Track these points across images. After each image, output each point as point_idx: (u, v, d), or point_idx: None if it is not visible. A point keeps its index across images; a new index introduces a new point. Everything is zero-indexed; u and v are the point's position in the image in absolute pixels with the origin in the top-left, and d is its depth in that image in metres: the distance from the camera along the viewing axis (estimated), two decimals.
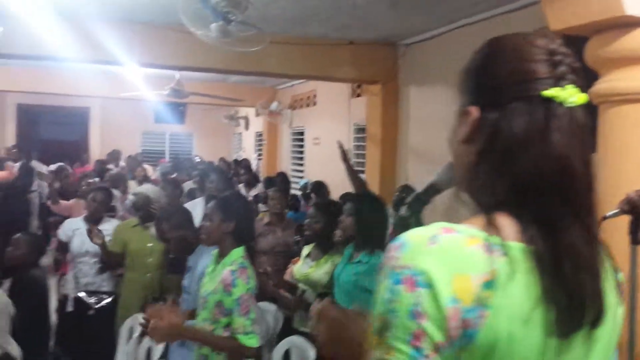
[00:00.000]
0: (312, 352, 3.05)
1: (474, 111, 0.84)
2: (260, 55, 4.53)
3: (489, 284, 0.73)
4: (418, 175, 5.41)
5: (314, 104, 8.65)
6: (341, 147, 4.69)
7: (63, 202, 5.69)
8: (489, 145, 0.82)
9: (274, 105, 9.72)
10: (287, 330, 3.50)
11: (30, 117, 12.87)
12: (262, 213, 5.08)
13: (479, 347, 0.73)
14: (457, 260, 0.74)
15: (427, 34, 5.31)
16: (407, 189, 4.31)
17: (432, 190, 2.40)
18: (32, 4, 4.55)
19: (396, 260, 0.76)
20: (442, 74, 5.15)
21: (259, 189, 7.40)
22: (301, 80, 8.81)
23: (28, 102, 12.03)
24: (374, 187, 5.50)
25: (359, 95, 7.02)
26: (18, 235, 3.96)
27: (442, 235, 0.76)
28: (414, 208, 2.52)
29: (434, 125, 5.27)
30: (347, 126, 7.22)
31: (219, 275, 2.52)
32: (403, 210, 2.57)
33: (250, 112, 11.64)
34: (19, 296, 3.39)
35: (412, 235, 0.78)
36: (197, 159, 11.86)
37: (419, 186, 3.41)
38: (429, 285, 0.73)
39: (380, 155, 5.97)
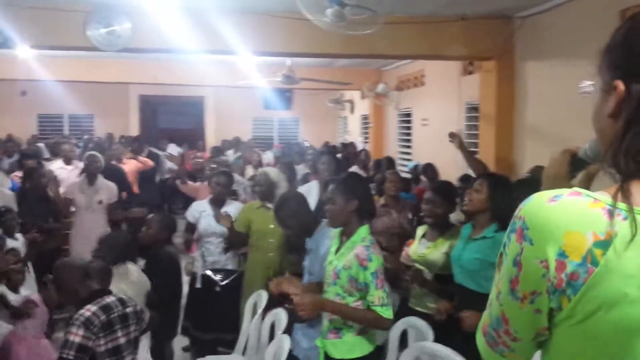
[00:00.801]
0: (430, 332, 3.06)
1: (620, 85, 0.86)
2: (370, 37, 4.53)
3: (603, 244, 0.77)
4: (536, 156, 5.18)
5: (422, 84, 8.51)
6: (454, 136, 4.63)
7: (190, 184, 6.06)
8: (636, 117, 0.84)
9: (380, 88, 9.67)
10: (404, 311, 3.53)
11: (151, 107, 13.79)
12: (375, 195, 5.12)
13: (584, 300, 0.78)
14: (575, 218, 0.80)
15: (545, 5, 5.03)
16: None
17: (579, 165, 2.33)
18: (157, 0, 4.87)
19: (518, 211, 0.86)
20: (562, 47, 4.86)
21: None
22: (408, 61, 8.69)
23: (149, 93, 12.88)
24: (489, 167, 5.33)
25: (470, 73, 6.80)
26: (151, 215, 4.30)
27: (566, 197, 0.83)
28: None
29: (554, 102, 5.01)
30: (458, 106, 7.04)
31: (349, 252, 2.60)
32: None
33: (355, 95, 11.68)
34: (154, 273, 3.66)
35: (539, 193, 0.86)
36: (307, 144, 12.12)
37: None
38: (532, 241, 0.82)
39: (494, 135, 5.76)
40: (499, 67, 5.70)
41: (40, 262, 4.57)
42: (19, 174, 6.30)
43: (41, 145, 9.74)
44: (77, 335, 2.47)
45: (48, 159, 8.19)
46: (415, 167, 7.29)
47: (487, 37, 5.62)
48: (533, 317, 0.85)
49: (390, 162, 7.27)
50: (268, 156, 9.44)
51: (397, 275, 3.78)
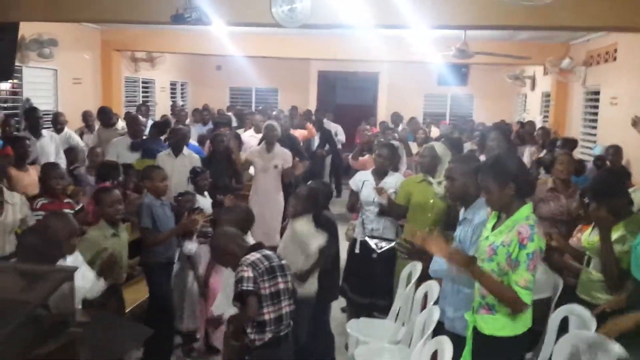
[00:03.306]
0: (592, 322, 2.88)
1: None
2: (553, 7, 4.23)
3: None
4: None
5: (614, 59, 7.69)
6: (636, 123, 4.14)
7: (361, 159, 6.31)
8: None
9: (566, 63, 8.95)
10: (570, 297, 3.34)
11: (329, 83, 14.36)
12: (545, 178, 4.84)
13: None
14: None
15: None
16: None
17: None
18: None
19: None
20: None
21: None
22: (600, 34, 7.90)
23: (327, 69, 13.44)
24: None
25: None
26: (310, 182, 4.59)
27: None
28: None
29: None
30: None
31: (509, 229, 2.54)
32: None
33: (537, 70, 10.96)
34: None
35: None
36: (478, 120, 11.71)
37: None
38: None
39: None
40: None
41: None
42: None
43: (230, 114, 10.73)
44: (249, 272, 2.78)
45: (237, 127, 9.04)
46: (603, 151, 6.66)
47: None
48: None
49: (568, 143, 6.73)
50: (435, 132, 9.32)
51: (562, 263, 3.59)
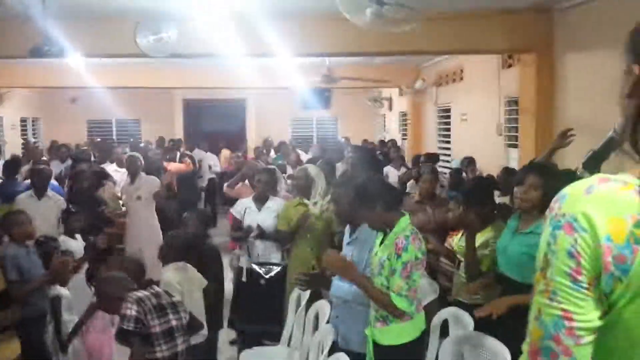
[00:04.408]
0: (470, 322, 3.12)
1: (636, 69, 0.94)
2: (409, 34, 4.58)
3: None
4: (577, 150, 5.13)
5: (461, 79, 8.51)
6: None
7: (236, 187, 6.27)
8: None
9: (419, 84, 9.71)
10: (446, 301, 3.61)
11: (195, 111, 14.16)
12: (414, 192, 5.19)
13: (634, 280, 0.84)
14: (611, 205, 0.86)
15: None
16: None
17: (610, 145, 2.38)
18: (202, 7, 5.07)
19: (557, 210, 0.92)
20: (604, 39, 4.80)
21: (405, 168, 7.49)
22: (447, 56, 8.70)
23: (192, 97, 13.25)
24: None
25: (510, 66, 6.78)
26: (186, 214, 4.48)
27: (598, 185, 0.89)
28: (589, 167, 2.49)
29: (596, 96, 4.94)
30: (497, 100, 7.03)
31: (391, 242, 2.70)
32: (579, 171, 2.54)
33: (393, 92, 11.71)
34: (197, 267, 3.81)
35: (570, 188, 0.92)
36: (345, 141, 12.21)
37: (579, 160, 3.32)
38: (585, 230, 0.86)
39: (535, 129, 5.74)
40: (539, 61, 5.68)
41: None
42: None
43: (88, 149, 10.15)
44: (132, 310, 2.64)
45: (98, 162, 8.55)
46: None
47: (527, 30, 5.62)
48: (597, 303, 0.88)
49: (430, 158, 7.27)
50: (306, 156, 9.59)
51: (437, 266, 3.87)
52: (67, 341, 3.83)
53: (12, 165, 6.52)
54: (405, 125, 11.22)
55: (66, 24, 5.08)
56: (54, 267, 3.73)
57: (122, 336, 2.67)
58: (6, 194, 5.58)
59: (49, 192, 5.35)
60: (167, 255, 3.62)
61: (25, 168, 7.06)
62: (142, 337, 2.65)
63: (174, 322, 2.80)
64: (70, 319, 3.93)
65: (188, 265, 3.64)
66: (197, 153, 10.50)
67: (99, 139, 11.99)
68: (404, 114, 11.44)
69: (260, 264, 4.55)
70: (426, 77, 9.79)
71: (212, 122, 14.63)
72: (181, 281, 3.43)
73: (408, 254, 2.62)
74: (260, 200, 4.72)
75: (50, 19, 4.56)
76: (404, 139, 11.23)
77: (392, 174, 7.53)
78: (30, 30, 4.72)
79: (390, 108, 12.34)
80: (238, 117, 14.14)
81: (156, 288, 2.89)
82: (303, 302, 3.89)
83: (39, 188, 5.29)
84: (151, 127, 13.34)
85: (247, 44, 5.58)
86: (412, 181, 6.35)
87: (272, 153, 10.65)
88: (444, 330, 3.26)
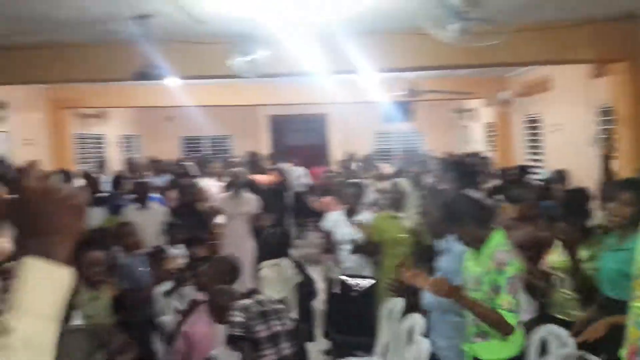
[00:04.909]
0: (570, 340, 3.06)
1: None
2: (495, 46, 4.56)
3: None
4: None
5: (549, 89, 8.26)
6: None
7: (323, 200, 6.46)
8: None
9: (504, 95, 9.51)
10: (545, 318, 3.54)
11: (279, 127, 14.59)
12: (503, 205, 5.09)
13: None
14: None
15: None
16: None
17: None
18: (289, 28, 5.29)
19: None
20: None
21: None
22: (532, 67, 8.49)
23: (277, 113, 13.68)
24: (628, 172, 5.11)
25: (600, 76, 6.53)
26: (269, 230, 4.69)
27: None
28: None
29: None
30: (588, 109, 6.78)
31: (488, 256, 2.70)
32: None
33: (478, 103, 11.52)
34: None
35: None
36: (430, 154, 12.12)
37: None
38: None
39: (633, 137, 5.50)
40: (633, 69, 5.45)
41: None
42: (173, 192, 7.06)
43: (189, 164, 10.71)
44: (239, 317, 2.84)
45: (196, 177, 9.03)
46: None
47: (617, 38, 5.43)
48: None
49: (521, 170, 7.10)
50: (389, 168, 9.62)
51: (535, 283, 3.80)
52: (171, 338, 4.12)
53: (118, 180, 7.05)
54: (492, 136, 11.00)
55: (164, 48, 5.43)
56: (163, 274, 4.04)
57: (232, 341, 2.86)
58: (113, 206, 6.05)
59: (151, 204, 5.74)
60: (263, 253, 3.84)
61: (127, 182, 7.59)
62: (249, 342, 2.83)
63: (278, 328, 2.96)
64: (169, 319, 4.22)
65: (283, 261, 3.83)
66: (282, 167, 10.80)
67: (200, 154, 12.58)
68: (490, 125, 11.22)
69: (352, 276, 4.66)
70: (512, 88, 9.58)
71: (296, 136, 14.99)
72: (277, 277, 3.62)
73: (512, 269, 2.61)
74: (350, 213, 4.84)
75: (151, 44, 4.93)
76: (490, 150, 11.00)
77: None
78: (133, 54, 5.12)
79: (475, 119, 12.14)
80: (320, 131, 14.42)
81: (260, 296, 3.07)
82: (396, 314, 3.94)
83: (142, 200, 5.70)
84: (241, 143, 13.87)
85: (332, 61, 5.74)
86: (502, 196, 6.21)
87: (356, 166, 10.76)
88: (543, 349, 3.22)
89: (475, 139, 12.31)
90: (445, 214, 2.91)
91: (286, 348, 2.95)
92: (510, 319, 2.59)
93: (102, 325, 3.16)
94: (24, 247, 0.86)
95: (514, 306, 2.60)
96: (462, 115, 12.43)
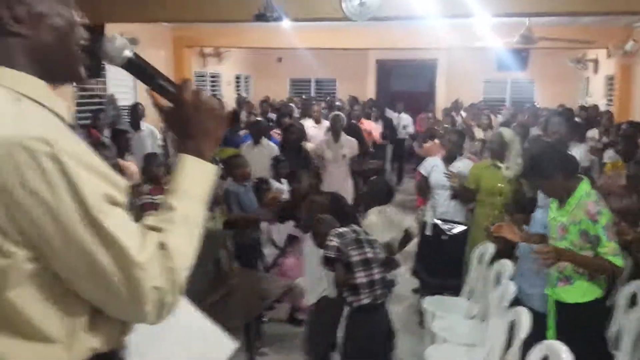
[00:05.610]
0: None
1: None
2: None
3: None
4: None
5: None
6: None
7: (425, 145, 6.53)
8: None
9: (629, 46, 8.82)
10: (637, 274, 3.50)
11: (386, 71, 14.53)
12: (614, 160, 4.93)
13: None
14: None
15: None
16: None
17: None
18: None
19: None
20: None
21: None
22: None
23: (385, 58, 13.61)
24: None
25: None
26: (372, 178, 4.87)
27: None
28: None
29: None
30: None
31: (574, 208, 2.77)
32: None
33: (600, 54, 10.77)
34: None
35: None
36: (541, 105, 11.63)
37: None
38: None
39: None
40: None
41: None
42: (277, 130, 7.43)
43: (292, 105, 11.11)
44: (333, 241, 3.13)
45: (298, 118, 9.38)
46: None
47: None
48: None
49: (635, 126, 6.67)
50: (494, 120, 9.38)
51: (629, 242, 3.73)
52: (271, 265, 4.56)
53: (234, 117, 7.53)
54: (612, 90, 10.30)
55: None
56: (267, 202, 4.42)
57: (327, 262, 3.17)
58: (230, 140, 6.52)
59: (264, 141, 6.12)
60: (369, 200, 4.07)
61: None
62: (343, 264, 3.12)
63: (370, 255, 3.21)
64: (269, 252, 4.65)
65: (388, 208, 4.06)
66: (389, 114, 10.86)
67: (304, 96, 12.98)
68: (610, 78, 10.49)
69: (445, 221, 4.78)
70: (638, 39, 8.84)
71: (402, 82, 14.87)
72: (383, 223, 3.86)
73: (604, 217, 2.69)
74: (449, 160, 4.92)
75: None
76: (609, 105, 10.33)
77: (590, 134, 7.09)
78: None
79: (596, 71, 11.37)
80: (428, 78, 14.18)
81: (355, 226, 3.33)
82: (487, 259, 4.06)
83: (256, 137, 6.09)
84: (346, 87, 14.04)
85: (446, 5, 5.66)
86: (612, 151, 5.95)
87: (463, 113, 10.58)
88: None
89: (595, 92, 11.57)
90: (533, 168, 2.94)
91: (377, 273, 3.20)
92: (618, 261, 2.70)
93: (222, 231, 3.63)
94: (181, 146, 1.13)
95: (616, 250, 2.70)
96: (582, 66, 11.67)
